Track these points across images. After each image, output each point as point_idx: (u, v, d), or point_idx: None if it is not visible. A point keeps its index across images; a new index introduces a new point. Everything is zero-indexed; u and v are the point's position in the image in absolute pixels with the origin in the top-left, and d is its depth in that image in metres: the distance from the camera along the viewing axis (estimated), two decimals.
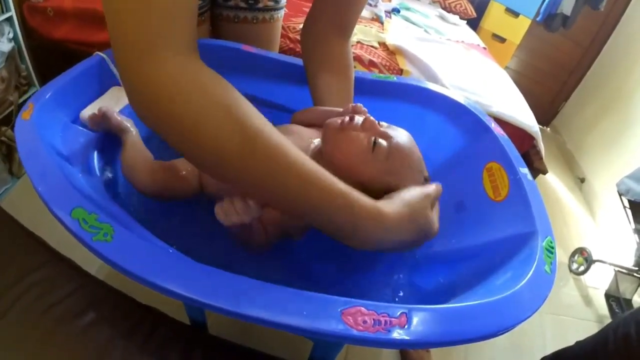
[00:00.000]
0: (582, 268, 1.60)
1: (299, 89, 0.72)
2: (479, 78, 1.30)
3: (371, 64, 1.19)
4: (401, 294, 0.54)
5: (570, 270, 1.66)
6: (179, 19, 0.35)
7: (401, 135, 0.49)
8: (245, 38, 0.84)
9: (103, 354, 0.47)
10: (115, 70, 0.63)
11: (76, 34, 1.18)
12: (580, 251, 1.63)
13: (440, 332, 0.32)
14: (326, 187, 0.37)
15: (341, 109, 0.58)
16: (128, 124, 0.57)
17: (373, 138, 0.47)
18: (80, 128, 0.57)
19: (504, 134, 0.64)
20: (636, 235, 1.45)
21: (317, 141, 0.55)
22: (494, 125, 0.66)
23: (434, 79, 1.15)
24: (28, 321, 0.49)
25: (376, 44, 1.35)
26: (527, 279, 0.36)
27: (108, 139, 0.56)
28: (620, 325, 0.60)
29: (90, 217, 0.35)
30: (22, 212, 0.76)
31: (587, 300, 1.57)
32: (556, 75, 2.50)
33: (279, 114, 0.75)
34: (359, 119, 0.49)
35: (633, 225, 1.45)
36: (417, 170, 0.49)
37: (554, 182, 2.25)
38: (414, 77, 1.17)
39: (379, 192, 0.46)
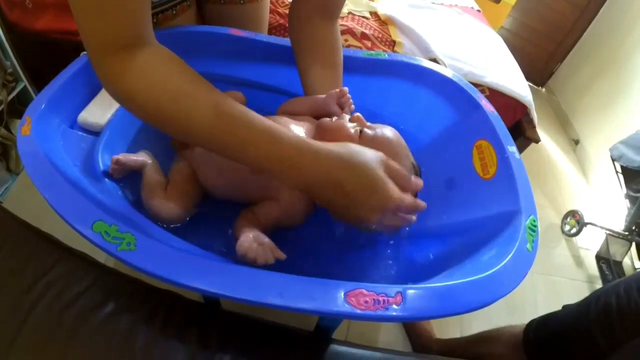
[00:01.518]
0: (574, 230, 1.65)
1: (290, 69, 0.72)
2: (472, 47, 1.29)
3: (363, 36, 1.18)
4: (397, 267, 0.58)
5: (563, 232, 1.72)
6: (125, 17, 0.38)
7: (386, 128, 0.54)
8: (234, 20, 0.83)
9: (127, 339, 0.50)
10: None
11: (57, 23, 1.14)
12: (573, 214, 1.68)
13: (431, 307, 0.36)
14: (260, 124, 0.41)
15: (324, 95, 0.61)
16: (143, 157, 0.57)
17: (359, 129, 0.52)
18: (80, 133, 0.58)
19: (494, 111, 0.66)
20: (627, 201, 1.48)
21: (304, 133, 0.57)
22: (484, 102, 0.67)
23: (426, 50, 1.14)
24: (51, 319, 0.51)
25: (367, 14, 1.33)
26: (509, 257, 0.40)
27: (109, 140, 0.57)
28: (602, 294, 0.64)
29: (111, 229, 0.37)
30: (26, 208, 0.76)
31: (578, 261, 1.64)
32: (552, 36, 2.46)
33: (272, 96, 0.76)
34: (346, 115, 0.54)
35: (624, 191, 1.48)
36: (403, 155, 0.53)
37: (548, 144, 2.27)
38: (406, 48, 1.16)
39: None
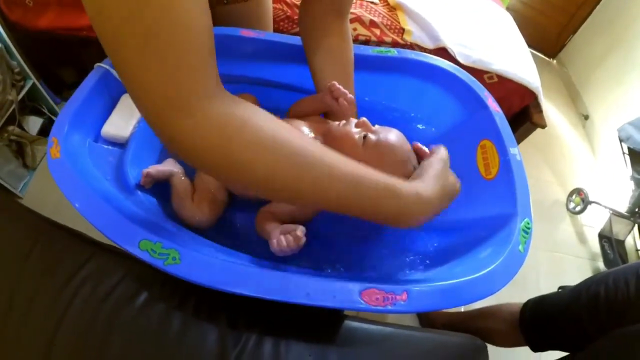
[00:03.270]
0: (578, 208, 1.69)
1: (301, 67, 0.74)
2: (482, 31, 1.29)
3: (372, 24, 1.19)
4: (403, 257, 0.63)
5: (568, 209, 1.76)
6: (198, 66, 0.33)
7: (390, 132, 0.57)
8: (237, 19, 0.83)
9: (163, 324, 0.53)
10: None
11: (61, 20, 1.15)
12: (578, 192, 1.71)
13: (431, 303, 0.42)
14: (372, 181, 0.41)
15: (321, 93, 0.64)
16: (170, 166, 0.61)
17: (364, 134, 0.55)
18: (106, 147, 0.61)
19: (500, 111, 0.69)
20: (632, 182, 1.49)
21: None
22: (490, 102, 0.70)
23: (435, 38, 1.15)
24: (88, 313, 0.53)
25: (376, 0, 1.32)
26: (502, 257, 0.45)
27: (135, 152, 0.61)
28: (593, 284, 0.69)
29: (156, 246, 0.41)
30: (46, 202, 0.78)
31: (582, 238, 1.68)
32: (564, 7, 2.40)
33: (286, 94, 0.79)
34: (353, 119, 0.57)
35: (630, 172, 1.49)
36: (405, 160, 0.56)
37: (556, 118, 2.26)
38: (415, 36, 1.17)
39: None
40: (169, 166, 0.62)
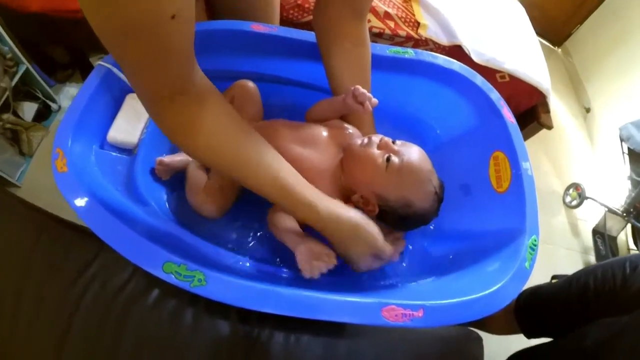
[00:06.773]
0: (574, 202, 1.71)
1: (312, 64, 0.73)
2: (496, 28, 1.27)
3: (387, 16, 1.17)
4: (411, 262, 0.66)
5: (564, 202, 1.78)
6: (175, 65, 0.40)
7: (413, 152, 0.56)
8: (242, 10, 0.82)
9: (176, 318, 0.54)
10: (124, 77, 0.61)
11: (53, 2, 1.09)
12: (575, 186, 1.73)
13: (444, 319, 0.45)
14: (297, 193, 0.49)
15: (342, 96, 0.62)
16: (184, 156, 0.63)
17: (387, 156, 0.55)
18: (113, 154, 0.59)
19: (514, 121, 0.69)
20: (629, 182, 1.50)
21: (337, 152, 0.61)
22: (505, 111, 0.70)
23: (452, 35, 1.14)
24: (101, 308, 0.53)
25: None
26: (510, 274, 0.48)
27: (145, 159, 0.60)
28: (583, 275, 0.73)
29: (181, 268, 0.41)
30: (44, 190, 0.74)
31: (575, 232, 1.71)
32: None
33: (295, 90, 0.79)
34: (375, 139, 0.57)
35: (629, 173, 1.50)
36: (426, 181, 0.57)
37: (558, 107, 2.24)
38: (430, 31, 1.16)
39: (395, 203, 0.56)
40: (184, 156, 0.63)
